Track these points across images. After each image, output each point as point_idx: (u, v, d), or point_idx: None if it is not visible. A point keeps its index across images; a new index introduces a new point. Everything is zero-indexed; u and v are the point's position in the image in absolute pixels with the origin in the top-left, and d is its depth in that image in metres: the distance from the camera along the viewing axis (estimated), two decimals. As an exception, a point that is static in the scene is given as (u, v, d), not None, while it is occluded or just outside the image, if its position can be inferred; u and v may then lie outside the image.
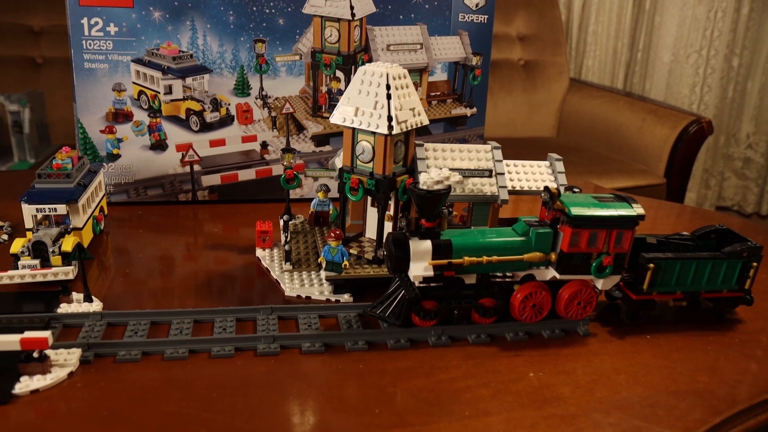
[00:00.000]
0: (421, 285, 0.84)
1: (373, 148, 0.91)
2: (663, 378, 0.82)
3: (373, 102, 0.88)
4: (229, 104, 1.26)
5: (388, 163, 0.91)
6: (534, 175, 1.02)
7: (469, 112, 1.39)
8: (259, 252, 1.07)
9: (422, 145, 0.97)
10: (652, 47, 3.54)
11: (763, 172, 3.84)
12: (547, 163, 1.04)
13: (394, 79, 0.88)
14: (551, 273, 0.87)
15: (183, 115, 1.24)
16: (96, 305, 0.87)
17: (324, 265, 0.92)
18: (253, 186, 1.31)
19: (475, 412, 0.72)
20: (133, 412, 0.69)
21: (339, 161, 1.07)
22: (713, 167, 3.81)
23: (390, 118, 0.87)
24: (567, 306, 0.88)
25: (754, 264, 0.95)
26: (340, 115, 0.91)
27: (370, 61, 1.27)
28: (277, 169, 1.31)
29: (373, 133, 0.90)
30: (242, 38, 1.21)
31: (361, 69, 0.90)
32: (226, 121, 1.26)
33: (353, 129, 0.92)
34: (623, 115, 2.76)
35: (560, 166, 1.03)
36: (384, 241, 0.86)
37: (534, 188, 1.01)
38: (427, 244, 0.82)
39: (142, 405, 0.70)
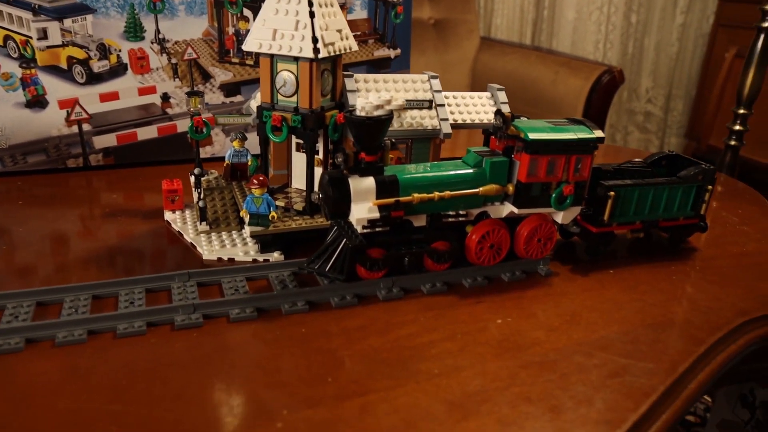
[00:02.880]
0: (365, 231, 0.72)
1: (297, 78, 0.77)
2: (637, 312, 0.75)
3: (293, 22, 0.75)
4: (119, 50, 1.07)
5: (315, 94, 0.78)
6: (476, 107, 0.92)
7: (392, 53, 1.27)
8: (168, 215, 0.91)
9: (352, 76, 0.84)
10: (557, 4, 3.56)
11: (662, 125, 4.00)
12: (488, 93, 0.94)
13: (317, -6, 0.75)
14: (508, 208, 0.78)
15: (64, 65, 1.05)
16: (-40, 289, 0.69)
17: (247, 220, 0.78)
18: (156, 145, 1.14)
19: (444, 369, 0.61)
20: (18, 416, 0.53)
21: (255, 103, 0.93)
22: (618, 122, 3.92)
23: (315, 40, 0.74)
24: (527, 244, 0.79)
25: (709, 187, 0.90)
26: (255, 41, 0.77)
27: None
28: (183, 125, 1.14)
29: (296, 59, 0.76)
30: (128, -30, 1.03)
31: (275, -15, 0.76)
32: (117, 70, 1.08)
33: (271, 57, 0.78)
34: (536, 69, 2.73)
35: (503, 96, 0.93)
36: (318, 183, 0.73)
37: (477, 121, 0.91)
38: (370, 182, 0.70)
39: (30, 405, 0.54)
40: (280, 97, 0.79)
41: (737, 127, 1.47)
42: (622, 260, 0.88)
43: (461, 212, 0.77)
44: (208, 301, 0.67)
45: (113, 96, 1.08)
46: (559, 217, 0.80)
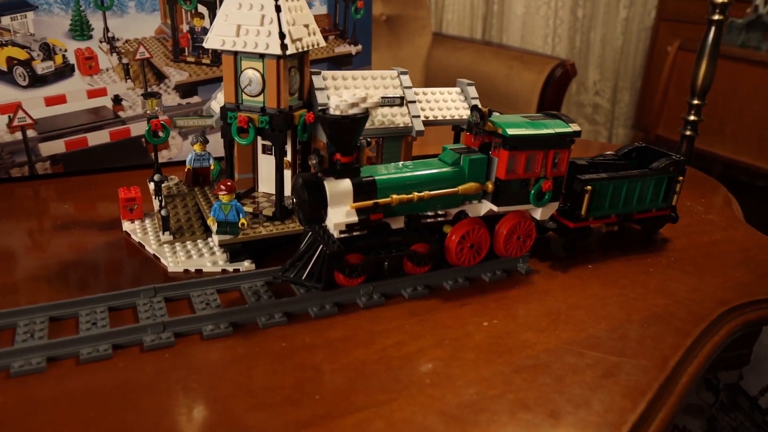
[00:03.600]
0: (342, 236, 0.68)
1: (263, 76, 0.73)
2: (621, 307, 0.74)
3: (258, 17, 0.70)
4: (65, 50, 1.00)
5: (283, 93, 0.74)
6: (446, 102, 0.90)
7: (354, 49, 1.24)
8: (126, 225, 0.86)
9: (319, 74, 0.80)
10: (506, 0, 3.59)
11: (610, 117, 4.09)
12: (457, 89, 0.92)
13: (282, -13, 0.71)
14: (486, 207, 0.76)
15: (4, 66, 0.97)
16: None
17: (215, 228, 0.73)
18: (108, 151, 1.07)
19: (436, 378, 0.58)
20: (-31, 457, 0.47)
21: (217, 105, 0.88)
22: (568, 114, 3.99)
23: (282, 35, 0.70)
24: (506, 243, 0.77)
25: (680, 178, 0.90)
26: (217, 38, 0.72)
27: (236, -9, 1.07)
28: (137, 129, 1.08)
29: (262, 56, 0.72)
30: (71, -36, 0.96)
31: (237, -23, 0.71)
32: (64, 72, 1.01)
33: (235, 54, 0.73)
34: (490, 64, 2.74)
35: (473, 91, 0.91)
36: (291, 187, 0.69)
37: (449, 117, 0.89)
38: (347, 184, 0.67)
39: (-17, 444, 0.49)
40: (245, 97, 0.75)
41: (692, 118, 1.50)
42: (598, 254, 0.88)
43: (439, 212, 0.74)
44: (179, 318, 0.62)
45: (60, 99, 1.01)
46: (538, 214, 0.78)
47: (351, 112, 0.64)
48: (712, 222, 1.03)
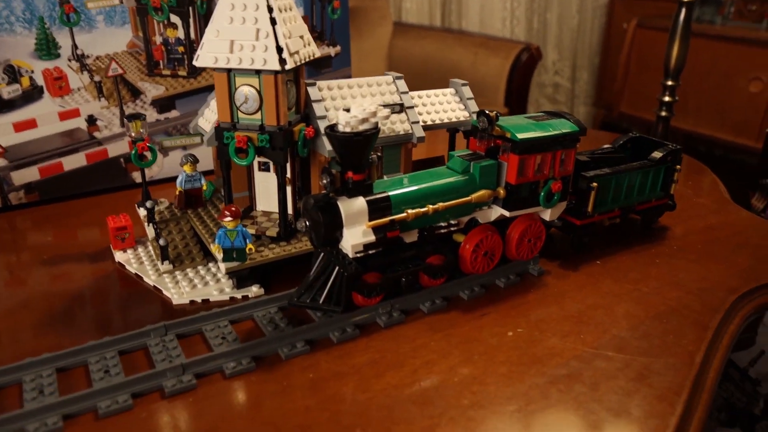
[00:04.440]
0: (357, 255, 0.66)
1: (260, 93, 0.70)
2: (637, 303, 0.74)
3: (253, 31, 0.67)
4: (32, 72, 0.94)
5: (282, 109, 0.70)
6: (442, 105, 0.88)
7: (333, 51, 1.20)
8: (119, 256, 0.81)
9: (314, 84, 0.77)
10: (463, -16, 3.58)
11: (570, 95, 4.14)
12: (451, 90, 0.90)
13: (275, -1, 0.67)
14: (497, 212, 0.74)
15: (-36, 93, 0.91)
16: None
17: (221, 256, 0.70)
18: (87, 175, 1.02)
19: (474, 397, 0.57)
20: None
21: (204, 122, 0.84)
22: (530, 96, 4.02)
23: (280, 49, 0.67)
24: (518, 246, 0.76)
25: (678, 167, 0.91)
26: (210, 55, 0.68)
27: (210, 0, 1.03)
28: (114, 149, 1.03)
29: (258, 72, 0.68)
30: (32, -21, 0.90)
31: (226, -11, 0.67)
32: (32, 94, 0.95)
33: (228, 71, 0.69)
34: (454, 51, 2.73)
35: (467, 91, 0.89)
36: (302, 209, 0.66)
37: (446, 120, 0.87)
38: (361, 203, 0.64)
39: None
40: (241, 115, 0.71)
41: (666, 98, 1.51)
42: (603, 248, 0.87)
43: (452, 221, 0.72)
44: (198, 359, 0.59)
45: (30, 124, 0.95)
46: (547, 215, 0.77)
47: (362, 128, 0.61)
48: (704, 205, 1.05)
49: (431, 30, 3.00)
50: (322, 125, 0.75)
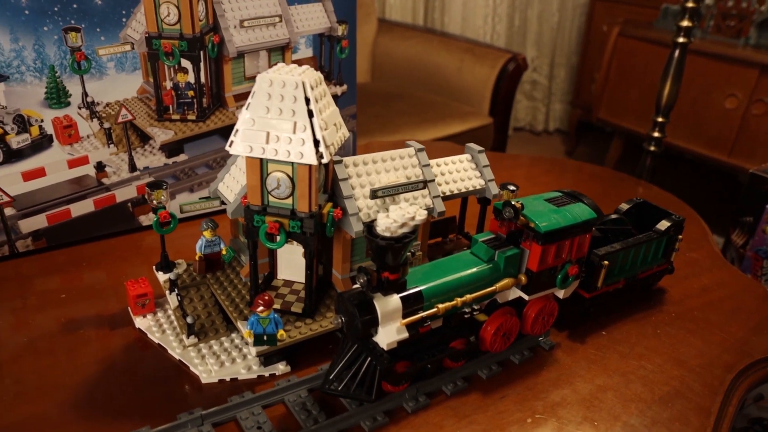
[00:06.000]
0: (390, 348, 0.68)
1: (293, 180, 0.70)
2: (644, 384, 0.78)
3: (290, 124, 0.67)
4: (41, 120, 0.92)
5: (314, 197, 0.71)
6: (459, 173, 0.89)
7: (339, 90, 1.20)
8: (139, 322, 0.82)
9: (341, 162, 0.78)
10: (447, -20, 3.56)
11: (548, 93, 4.19)
12: (468, 156, 0.92)
13: (312, 88, 0.68)
14: (516, 293, 0.77)
15: (-26, 145, 0.88)
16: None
17: (252, 341, 0.71)
18: (94, 220, 1.01)
19: (504, 500, 0.60)
20: None
21: (225, 188, 0.84)
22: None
23: (317, 143, 0.67)
24: (533, 324, 0.80)
25: (680, 237, 0.95)
26: (245, 144, 0.68)
27: (221, 43, 1.02)
28: (122, 194, 1.02)
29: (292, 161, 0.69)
30: (45, 28, 0.87)
31: (263, 78, 0.67)
32: (41, 143, 0.93)
33: (261, 159, 0.70)
34: (440, 55, 2.73)
35: (483, 159, 0.91)
36: (337, 304, 0.68)
37: (464, 189, 0.88)
38: (396, 301, 0.66)
39: None
40: (272, 199, 0.72)
41: (656, 134, 1.56)
42: (607, 315, 0.91)
43: (474, 307, 0.75)
44: (240, 458, 0.61)
45: (39, 173, 0.94)
46: (561, 294, 0.81)
47: (401, 232, 0.63)
48: (697, 262, 1.10)
49: (416, 30, 2.99)
50: (349, 205, 0.76)
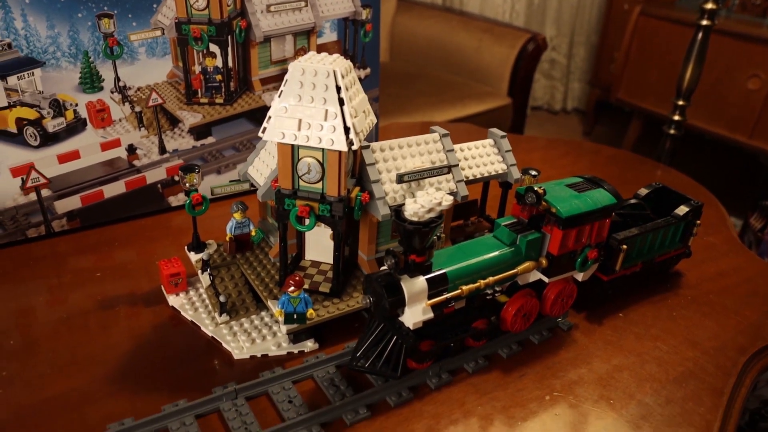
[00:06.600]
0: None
1: (323, 165, 0.73)
2: (659, 365, 0.80)
3: (322, 112, 0.69)
4: (76, 105, 0.95)
5: (344, 181, 0.74)
6: (482, 158, 0.91)
7: (363, 73, 1.22)
8: (172, 300, 0.85)
9: (368, 147, 0.80)
10: (466, -43, 3.52)
11: (566, 72, 4.15)
12: (491, 141, 0.94)
13: (343, 77, 0.70)
14: (536, 275, 0.80)
15: (14, 129, 0.92)
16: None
17: (282, 319, 0.74)
18: (125, 201, 1.04)
19: (524, 472, 0.64)
20: None
21: (255, 171, 0.87)
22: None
23: (348, 130, 0.70)
24: (552, 306, 0.82)
25: (698, 222, 0.96)
26: (277, 131, 0.71)
27: (248, 28, 1.04)
28: (152, 176, 1.05)
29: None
30: (79, 14, 0.90)
31: (295, 67, 0.69)
32: (75, 127, 0.96)
33: (293, 145, 0.72)
34: (459, 35, 2.72)
35: (506, 143, 0.93)
36: (365, 285, 0.71)
37: (486, 174, 0.90)
38: (422, 283, 0.69)
39: None
40: (302, 183, 0.75)
41: (676, 118, 1.56)
42: (624, 298, 0.94)
43: (496, 288, 0.78)
44: (274, 429, 0.65)
45: (73, 155, 0.97)
46: (580, 276, 0.83)
47: (427, 217, 0.65)
48: (714, 246, 1.11)
49: (434, 10, 2.97)
50: (376, 189, 0.78)
